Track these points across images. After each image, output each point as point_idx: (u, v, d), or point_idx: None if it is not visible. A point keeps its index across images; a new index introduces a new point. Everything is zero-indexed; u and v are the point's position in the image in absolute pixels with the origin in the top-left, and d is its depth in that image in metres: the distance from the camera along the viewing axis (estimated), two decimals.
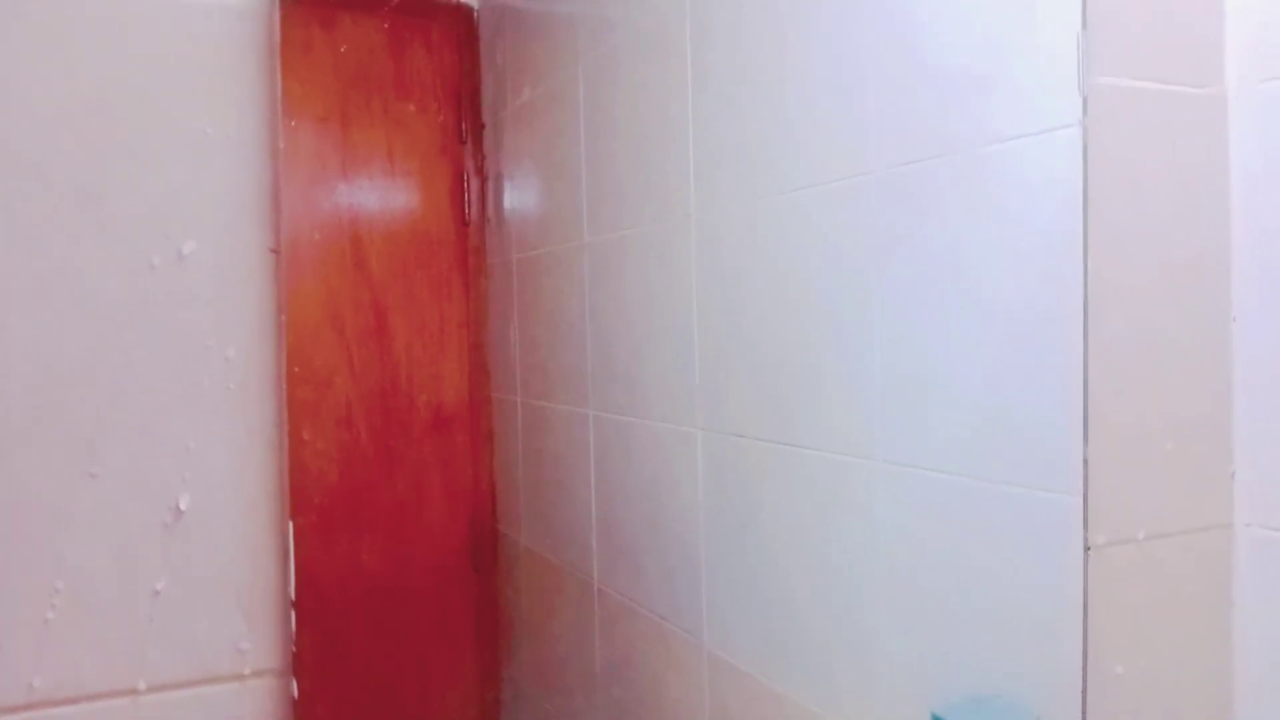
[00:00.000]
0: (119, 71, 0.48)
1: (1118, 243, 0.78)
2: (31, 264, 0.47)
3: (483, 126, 2.15)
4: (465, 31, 2.17)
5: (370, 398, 1.91)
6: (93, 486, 0.49)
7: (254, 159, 0.50)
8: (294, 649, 0.52)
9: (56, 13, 0.47)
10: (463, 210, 2.12)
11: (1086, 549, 0.79)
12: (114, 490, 0.49)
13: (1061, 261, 0.79)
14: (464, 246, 2.13)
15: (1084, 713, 0.80)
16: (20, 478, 0.48)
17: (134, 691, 0.50)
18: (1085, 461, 0.77)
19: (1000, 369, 0.86)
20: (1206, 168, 0.83)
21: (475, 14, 2.18)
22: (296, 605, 0.53)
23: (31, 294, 0.47)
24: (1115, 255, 0.78)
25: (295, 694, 0.52)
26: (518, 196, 2.06)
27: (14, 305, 0.47)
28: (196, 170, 0.49)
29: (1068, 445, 0.79)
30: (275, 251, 0.50)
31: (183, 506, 0.50)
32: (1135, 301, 0.81)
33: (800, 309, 1.12)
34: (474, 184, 2.13)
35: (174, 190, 0.49)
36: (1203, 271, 0.84)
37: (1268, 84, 0.82)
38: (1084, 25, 0.75)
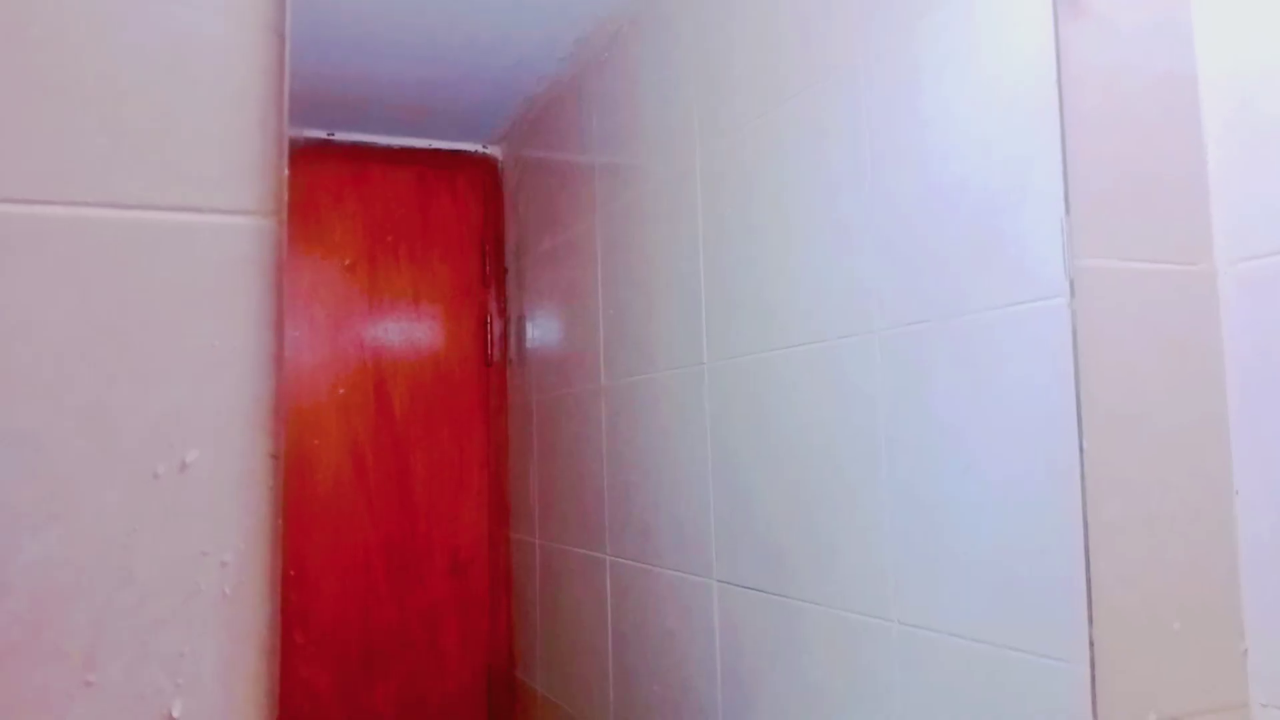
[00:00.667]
0: (129, 296, 0.51)
1: (1113, 421, 0.79)
2: (39, 485, 0.49)
3: (505, 271, 2.21)
4: (490, 181, 2.25)
5: (390, 541, 1.91)
6: (88, 694, 0.50)
7: (258, 368, 0.53)
8: None
9: (71, 243, 0.51)
10: (485, 352, 2.16)
11: None
12: (109, 698, 0.50)
13: (1057, 439, 0.80)
14: (485, 387, 2.16)
15: None
16: (18, 686, 0.49)
17: None
18: (1091, 643, 0.76)
19: (1006, 538, 0.86)
20: (1199, 343, 0.85)
21: (499, 165, 2.26)
22: None
23: (38, 513, 0.49)
24: (1111, 434, 0.78)
25: None
26: (538, 339, 2.11)
27: (21, 525, 0.48)
28: (202, 382, 0.52)
29: (1075, 621, 0.78)
30: (275, 457, 0.52)
31: (175, 714, 0.51)
32: (1134, 480, 0.81)
33: (813, 464, 1.13)
34: (496, 326, 2.18)
35: (180, 403, 0.51)
36: (1202, 447, 0.84)
37: (1253, 261, 0.84)
38: (1067, 210, 0.78)
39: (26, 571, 0.48)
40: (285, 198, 0.53)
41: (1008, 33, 0.87)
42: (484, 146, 2.25)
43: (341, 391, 1.95)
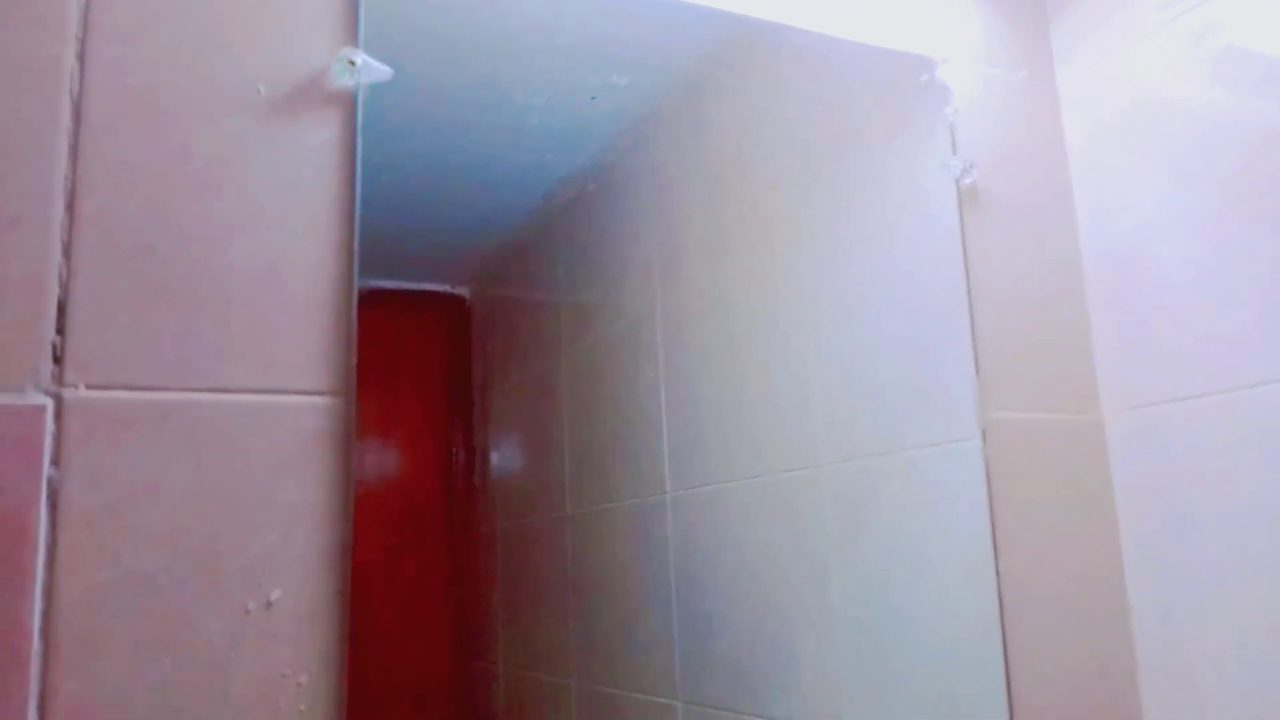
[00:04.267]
0: (232, 462, 0.63)
1: (1023, 547, 0.93)
2: (156, 620, 0.60)
3: (472, 404, 2.30)
4: (457, 318, 2.36)
5: (350, 671, 1.93)
6: None
7: (331, 520, 0.65)
8: None
9: (186, 421, 0.63)
10: (448, 482, 2.23)
11: None
12: None
13: (979, 562, 0.92)
14: (449, 517, 2.22)
15: None
16: None
17: None
18: None
19: (941, 651, 0.97)
20: (1092, 478, 0.99)
21: (467, 302, 2.38)
22: None
23: (155, 643, 0.60)
24: (1022, 558, 0.92)
25: None
26: (503, 470, 2.18)
27: (141, 653, 0.59)
28: (286, 533, 0.64)
29: None
30: (342, 594, 0.64)
31: None
32: (1043, 598, 0.94)
33: (770, 587, 1.22)
34: (460, 458, 2.25)
35: (269, 550, 0.63)
36: (1099, 569, 0.98)
37: (1133, 411, 0.99)
38: (976, 370, 0.93)
39: (146, 693, 0.59)
40: (354, 381, 0.66)
41: (924, 214, 1.03)
42: (453, 286, 2.38)
43: None
